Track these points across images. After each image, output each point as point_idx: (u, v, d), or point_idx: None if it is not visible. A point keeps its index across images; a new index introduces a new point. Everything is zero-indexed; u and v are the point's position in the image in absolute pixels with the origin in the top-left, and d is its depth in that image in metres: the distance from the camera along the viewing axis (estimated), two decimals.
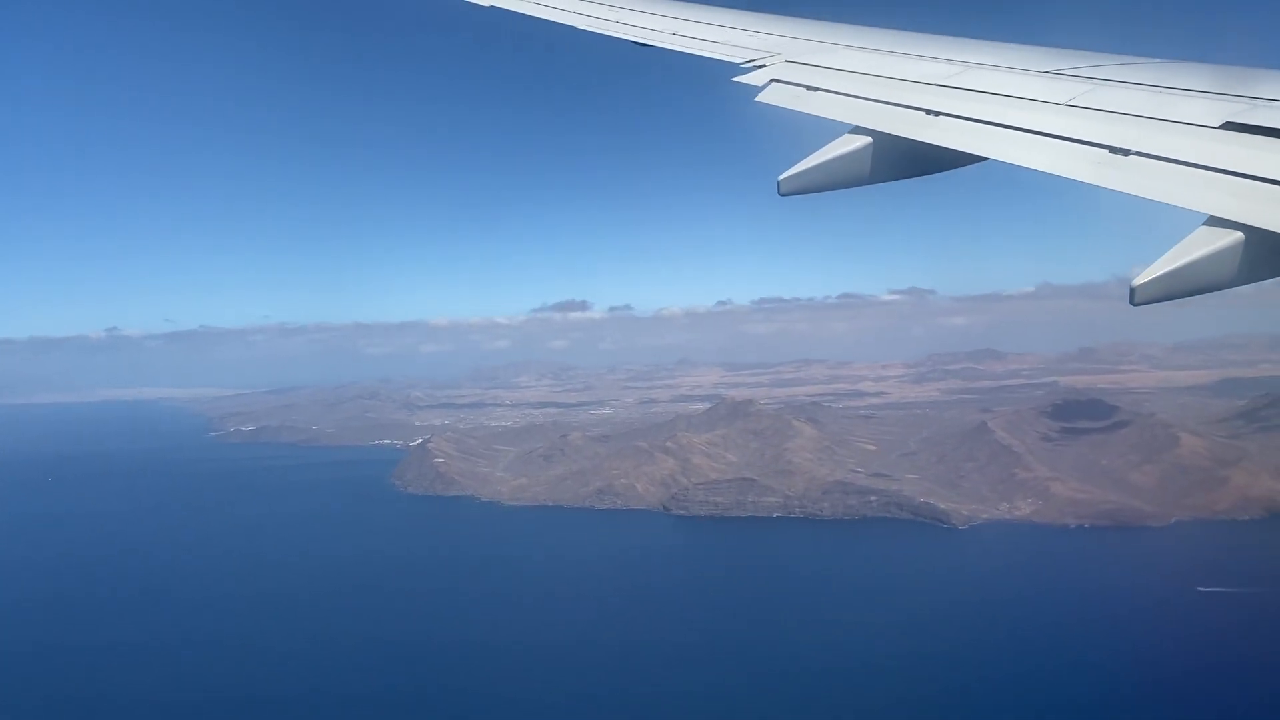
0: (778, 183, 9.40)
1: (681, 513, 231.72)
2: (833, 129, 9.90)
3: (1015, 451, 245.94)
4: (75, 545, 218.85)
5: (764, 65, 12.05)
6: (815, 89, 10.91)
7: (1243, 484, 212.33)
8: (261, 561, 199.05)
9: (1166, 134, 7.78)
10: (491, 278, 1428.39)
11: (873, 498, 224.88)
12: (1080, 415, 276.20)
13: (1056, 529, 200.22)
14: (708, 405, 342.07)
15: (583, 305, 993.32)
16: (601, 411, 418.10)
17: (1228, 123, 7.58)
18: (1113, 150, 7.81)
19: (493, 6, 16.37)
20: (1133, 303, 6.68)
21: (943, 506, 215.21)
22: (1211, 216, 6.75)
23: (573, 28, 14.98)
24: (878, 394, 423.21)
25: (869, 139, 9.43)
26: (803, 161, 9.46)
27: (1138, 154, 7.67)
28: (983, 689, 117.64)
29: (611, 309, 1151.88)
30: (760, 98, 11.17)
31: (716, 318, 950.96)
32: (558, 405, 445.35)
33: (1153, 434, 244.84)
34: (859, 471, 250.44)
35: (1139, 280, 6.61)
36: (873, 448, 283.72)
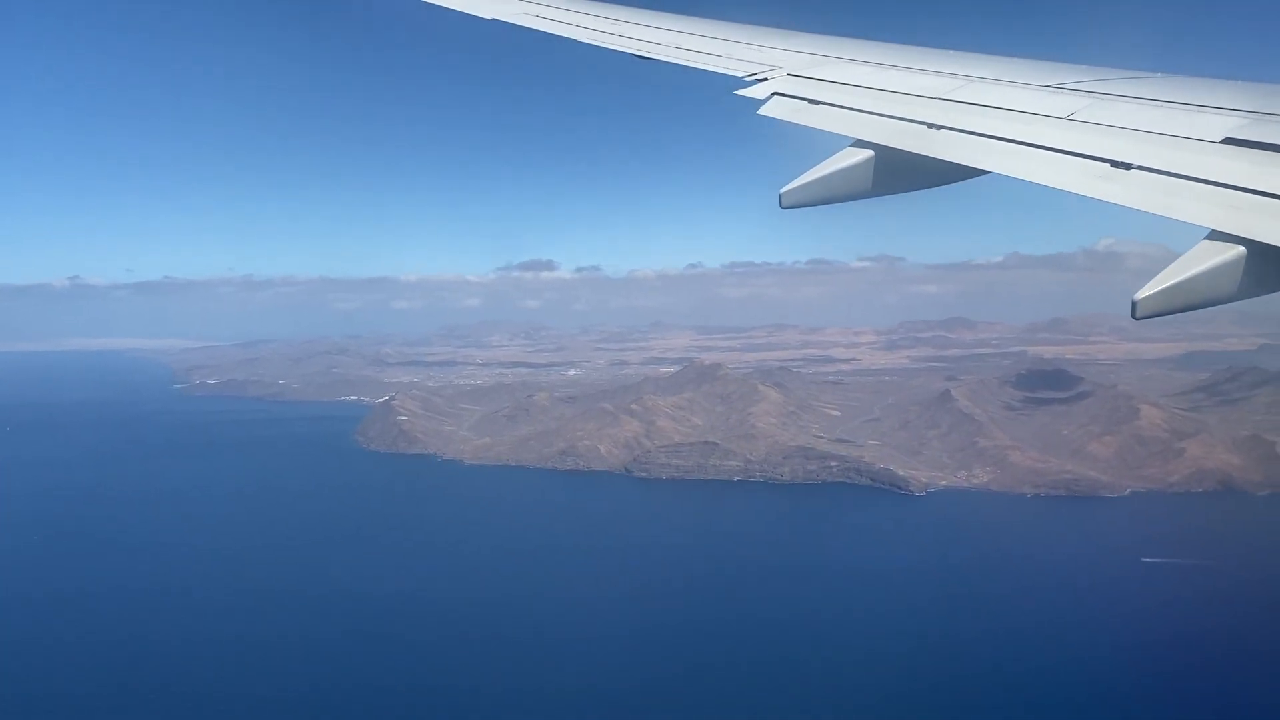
0: (779, 196, 9.42)
1: (643, 475, 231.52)
2: (834, 141, 9.97)
3: (977, 420, 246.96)
4: (22, 493, 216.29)
5: (766, 79, 12.10)
6: (817, 102, 10.95)
7: (1198, 456, 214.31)
8: (214, 515, 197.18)
9: (1168, 148, 7.77)
10: (458, 235, 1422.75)
11: (833, 463, 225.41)
12: (1044, 385, 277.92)
13: (1012, 497, 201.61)
14: (677, 368, 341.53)
15: (549, 265, 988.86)
16: (572, 373, 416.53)
17: (1229, 138, 7.56)
18: (1114, 164, 7.80)
19: (495, 20, 16.22)
20: (1135, 316, 6.64)
21: (901, 473, 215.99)
22: (1213, 231, 6.72)
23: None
24: (848, 360, 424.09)
25: (871, 153, 9.47)
26: (804, 175, 9.49)
27: (1139, 168, 7.64)
28: (925, 653, 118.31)
29: (579, 269, 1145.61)
30: (762, 111, 11.22)
31: (689, 281, 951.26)
32: (528, 365, 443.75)
33: (1114, 405, 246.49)
34: (821, 437, 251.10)
35: (1141, 294, 6.57)
36: (837, 413, 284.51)
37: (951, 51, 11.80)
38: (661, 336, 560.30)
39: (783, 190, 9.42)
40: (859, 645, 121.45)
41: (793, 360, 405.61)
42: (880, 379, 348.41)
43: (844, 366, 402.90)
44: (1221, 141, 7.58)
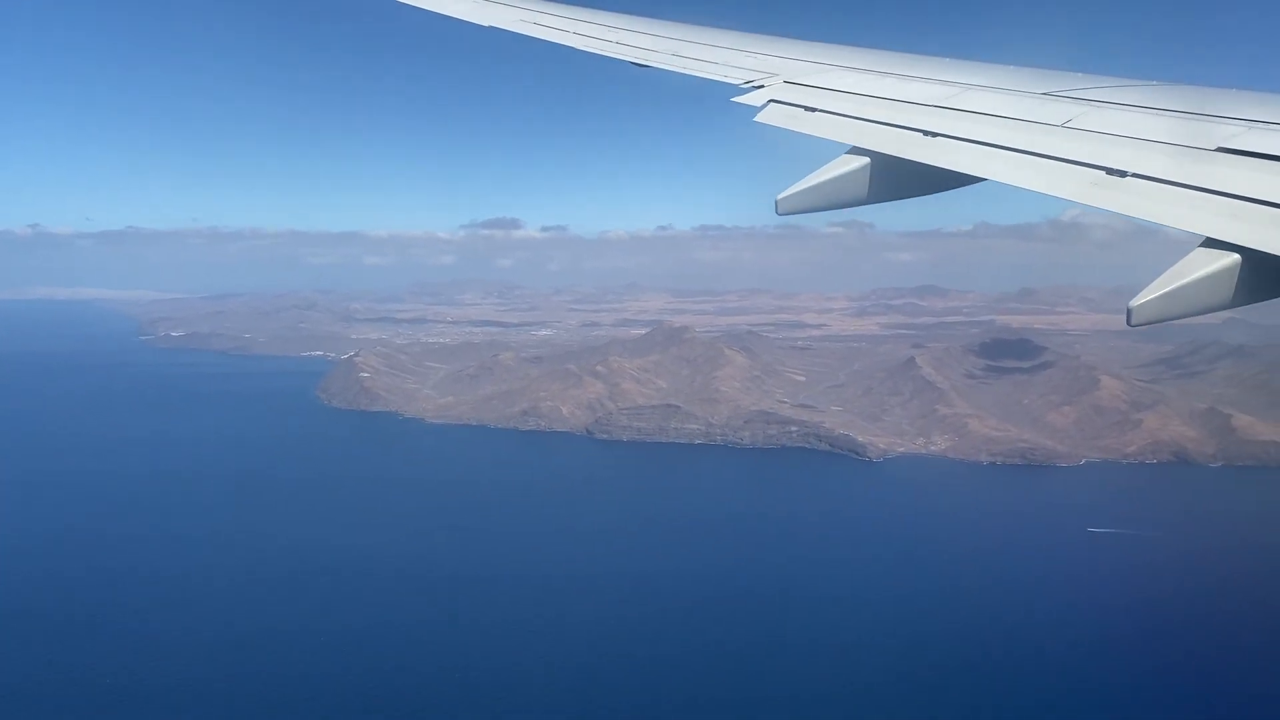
0: (775, 203, 9.36)
1: (604, 437, 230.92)
2: (830, 148, 9.93)
3: (939, 388, 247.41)
4: None
5: (762, 86, 12.03)
6: (813, 109, 10.93)
7: (1154, 428, 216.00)
8: (169, 467, 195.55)
9: (1163, 156, 7.75)
10: (424, 191, 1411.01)
11: (793, 428, 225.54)
12: (1007, 354, 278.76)
13: (968, 465, 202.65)
14: (648, 330, 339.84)
15: (514, 223, 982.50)
16: (543, 333, 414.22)
17: (1223, 146, 7.57)
18: (1109, 172, 7.79)
19: (493, 28, 16.25)
20: (1130, 324, 6.69)
21: (860, 439, 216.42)
22: (1208, 238, 6.74)
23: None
24: (819, 326, 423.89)
25: (866, 159, 9.41)
26: (800, 181, 9.43)
27: (1135, 175, 7.62)
28: (862, 614, 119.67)
29: (544, 229, 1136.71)
30: (759, 118, 11.17)
31: (664, 243, 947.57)
32: (499, 325, 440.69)
33: (1075, 375, 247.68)
34: (785, 402, 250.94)
35: (1137, 301, 6.60)
36: (802, 379, 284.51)
37: (947, 59, 11.96)
38: (635, 298, 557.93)
39: (779, 197, 9.40)
40: (798, 607, 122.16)
41: (764, 325, 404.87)
42: (849, 345, 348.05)
43: (814, 332, 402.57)
44: (1216, 150, 7.57)
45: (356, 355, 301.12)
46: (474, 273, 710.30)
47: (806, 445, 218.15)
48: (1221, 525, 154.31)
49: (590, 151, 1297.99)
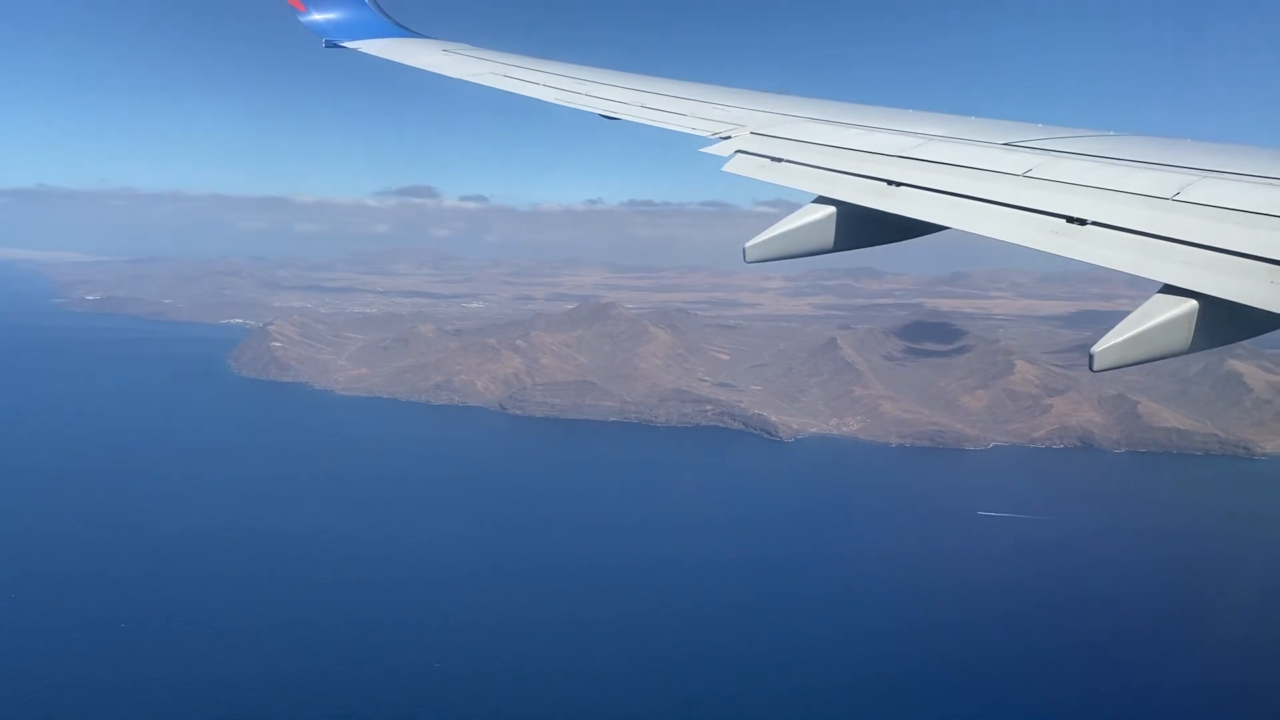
0: (743, 250, 9.47)
1: (518, 412, 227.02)
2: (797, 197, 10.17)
3: (858, 369, 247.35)
4: None
5: (729, 137, 12.19)
6: (780, 160, 11.06)
7: (1063, 413, 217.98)
8: (62, 433, 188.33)
9: (1121, 204, 7.91)
10: (340, 157, 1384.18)
11: (708, 407, 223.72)
12: (928, 337, 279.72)
13: (877, 446, 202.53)
14: (576, 305, 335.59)
15: (430, 192, 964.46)
16: (474, 305, 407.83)
17: (1178, 195, 7.69)
18: (1069, 220, 7.95)
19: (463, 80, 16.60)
20: (1092, 369, 6.86)
21: (773, 419, 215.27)
22: (1166, 285, 6.89)
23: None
24: (752, 305, 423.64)
25: (832, 208, 9.57)
26: (767, 230, 9.59)
27: (1094, 223, 7.80)
28: (741, 587, 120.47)
29: (463, 198, 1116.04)
30: (726, 168, 11.31)
31: (599, 217, 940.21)
32: (430, 295, 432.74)
33: (992, 360, 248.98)
34: (705, 380, 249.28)
35: (1098, 347, 6.73)
36: (726, 357, 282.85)
37: (909, 110, 12.20)
38: (573, 273, 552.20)
39: (746, 245, 9.47)
40: (680, 582, 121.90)
41: (697, 303, 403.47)
42: (778, 325, 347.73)
43: (747, 311, 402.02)
44: (1172, 198, 7.67)
45: (270, 324, 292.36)
46: (409, 242, 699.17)
47: (720, 424, 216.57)
48: (1113, 510, 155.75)
49: (510, 122, 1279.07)
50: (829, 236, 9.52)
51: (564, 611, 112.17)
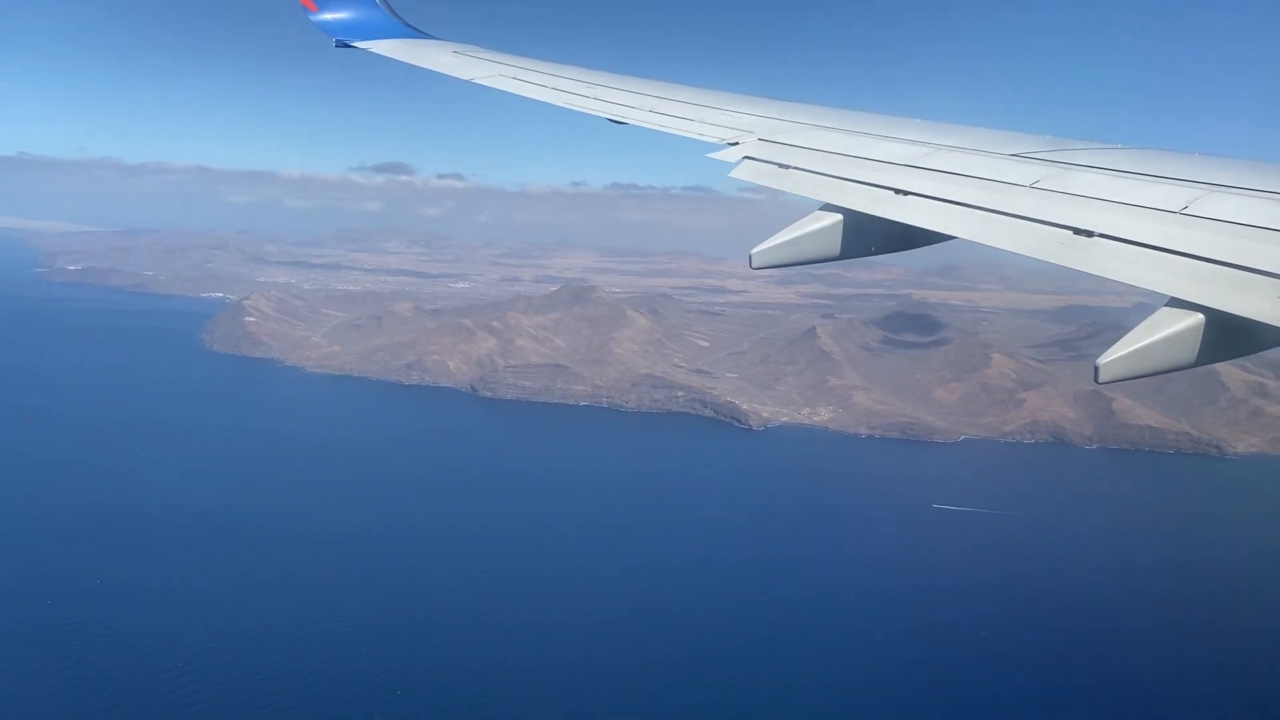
0: (749, 256, 9.43)
1: (488, 395, 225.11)
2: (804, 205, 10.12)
3: (834, 359, 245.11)
4: None
5: (737, 143, 12.13)
6: (787, 167, 11.04)
7: (1036, 408, 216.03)
8: (20, 403, 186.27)
9: (1129, 217, 7.87)
10: (311, 130, 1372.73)
11: (680, 393, 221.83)
12: (908, 328, 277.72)
13: (846, 437, 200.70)
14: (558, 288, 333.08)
15: (405, 168, 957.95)
16: (460, 285, 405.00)
17: (1186, 209, 7.65)
18: (1077, 232, 7.91)
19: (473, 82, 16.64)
20: (1097, 380, 6.79)
21: (745, 407, 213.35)
22: (1173, 299, 6.88)
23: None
24: (740, 292, 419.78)
25: (839, 216, 9.55)
26: (774, 236, 9.53)
27: (1101, 236, 7.75)
28: (693, 576, 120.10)
29: (440, 176, 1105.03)
30: (734, 174, 11.33)
31: (592, 200, 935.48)
32: (417, 275, 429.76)
33: (970, 352, 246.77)
34: (680, 367, 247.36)
35: (1104, 359, 6.71)
36: (705, 344, 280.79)
37: (918, 119, 12.11)
38: (563, 255, 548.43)
39: (753, 251, 9.44)
40: (628, 568, 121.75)
41: (684, 289, 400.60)
42: (762, 313, 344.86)
43: (734, 298, 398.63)
44: (1180, 212, 7.66)
45: (245, 299, 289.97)
46: (402, 221, 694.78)
47: (691, 411, 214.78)
48: (1078, 507, 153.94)
49: (483, 100, 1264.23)
50: (836, 244, 9.53)
51: (501, 605, 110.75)
